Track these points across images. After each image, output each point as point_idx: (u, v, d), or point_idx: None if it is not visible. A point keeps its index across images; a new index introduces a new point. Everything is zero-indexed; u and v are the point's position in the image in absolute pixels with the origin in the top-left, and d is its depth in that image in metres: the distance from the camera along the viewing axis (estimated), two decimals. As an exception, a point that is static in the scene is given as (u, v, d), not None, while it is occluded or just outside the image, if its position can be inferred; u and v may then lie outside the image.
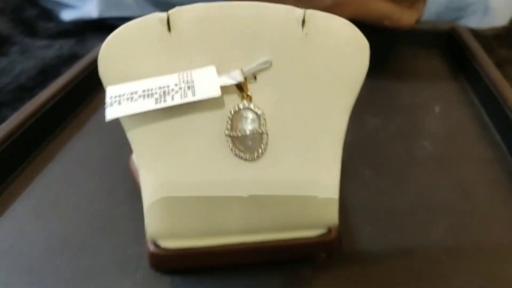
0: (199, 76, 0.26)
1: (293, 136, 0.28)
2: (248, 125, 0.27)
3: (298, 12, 0.27)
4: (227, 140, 0.27)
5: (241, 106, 0.27)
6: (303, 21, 0.27)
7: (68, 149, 0.42)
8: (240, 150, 0.27)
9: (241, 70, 0.27)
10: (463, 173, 0.39)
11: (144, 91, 0.26)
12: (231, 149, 0.27)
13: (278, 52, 0.27)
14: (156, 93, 0.26)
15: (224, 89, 0.26)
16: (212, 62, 0.27)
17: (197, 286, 0.29)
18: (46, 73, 0.56)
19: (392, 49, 0.62)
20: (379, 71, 0.54)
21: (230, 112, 0.27)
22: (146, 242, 0.29)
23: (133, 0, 0.69)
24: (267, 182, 0.28)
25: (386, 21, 0.52)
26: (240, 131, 0.27)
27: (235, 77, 0.26)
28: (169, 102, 0.25)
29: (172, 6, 0.27)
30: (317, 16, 0.27)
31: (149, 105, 0.25)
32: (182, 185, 0.28)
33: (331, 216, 0.29)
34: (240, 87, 0.27)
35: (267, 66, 0.27)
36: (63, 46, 0.63)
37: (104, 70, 0.27)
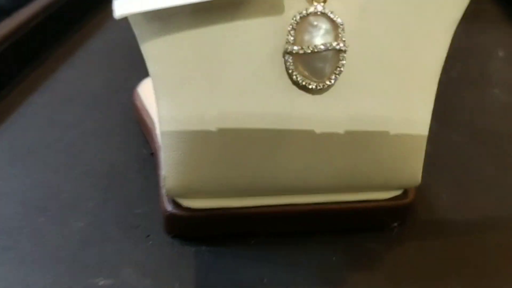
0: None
1: (381, 59, 0.20)
2: (319, 38, 0.19)
3: None
4: (287, 60, 0.19)
5: (311, 10, 0.19)
6: None
7: (52, 81, 0.34)
8: (303, 76, 0.19)
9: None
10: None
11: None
12: (291, 73, 0.19)
13: None
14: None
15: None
16: None
17: (230, 259, 0.22)
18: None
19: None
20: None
21: (294, 18, 0.19)
22: (160, 200, 0.22)
23: None
24: (337, 122, 0.20)
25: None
26: (307, 46, 0.19)
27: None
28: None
29: None
30: None
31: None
32: (218, 120, 0.20)
33: (414, 169, 0.22)
34: (310, -17, 0.19)
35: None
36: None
37: None
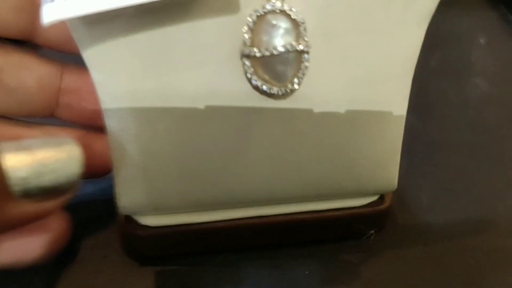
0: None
1: (349, 58, 0.18)
2: (279, 39, 0.17)
3: None
4: (243, 64, 0.17)
5: (268, 8, 0.17)
6: None
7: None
8: (263, 80, 0.17)
9: None
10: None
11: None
12: (250, 78, 0.17)
13: None
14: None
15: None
16: None
17: (195, 280, 0.20)
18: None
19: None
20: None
21: (250, 17, 0.17)
22: (116, 218, 0.20)
23: None
24: (303, 128, 0.19)
25: None
26: (265, 48, 0.17)
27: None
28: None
29: None
30: None
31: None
32: (172, 132, 0.18)
33: (390, 173, 0.20)
34: (266, -23, 0.17)
35: None
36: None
37: None
